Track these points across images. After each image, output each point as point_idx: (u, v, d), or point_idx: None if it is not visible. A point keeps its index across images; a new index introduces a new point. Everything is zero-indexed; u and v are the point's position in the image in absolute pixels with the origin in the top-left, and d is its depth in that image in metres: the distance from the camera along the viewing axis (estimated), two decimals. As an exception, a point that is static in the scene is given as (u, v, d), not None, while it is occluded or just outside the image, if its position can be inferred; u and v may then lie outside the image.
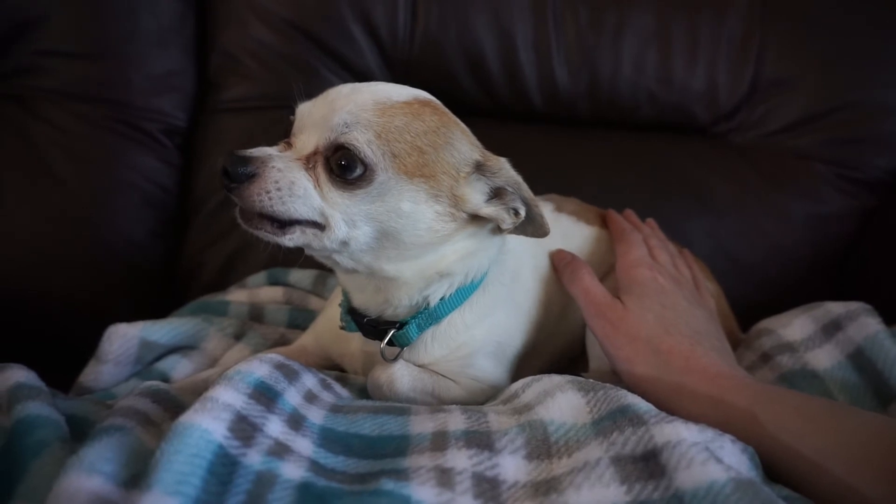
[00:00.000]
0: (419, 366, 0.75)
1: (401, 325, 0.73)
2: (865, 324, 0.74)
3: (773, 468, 0.56)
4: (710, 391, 0.63)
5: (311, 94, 0.71)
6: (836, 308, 0.79)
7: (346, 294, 0.78)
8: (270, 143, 0.70)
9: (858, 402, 0.69)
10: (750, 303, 1.06)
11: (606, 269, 0.89)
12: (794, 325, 0.81)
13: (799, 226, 1.30)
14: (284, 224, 0.65)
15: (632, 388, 0.69)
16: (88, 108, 1.20)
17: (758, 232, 1.30)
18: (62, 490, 0.42)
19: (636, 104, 1.33)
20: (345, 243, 0.67)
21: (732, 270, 1.25)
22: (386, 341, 0.74)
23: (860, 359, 0.72)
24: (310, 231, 0.66)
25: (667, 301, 0.75)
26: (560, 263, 0.84)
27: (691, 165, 1.32)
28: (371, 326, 0.75)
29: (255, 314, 1.01)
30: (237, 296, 1.05)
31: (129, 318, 0.86)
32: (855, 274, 1.29)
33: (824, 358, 0.74)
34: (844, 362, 0.73)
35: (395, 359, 0.75)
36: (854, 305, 0.78)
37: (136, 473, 0.46)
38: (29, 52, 1.19)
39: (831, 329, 0.77)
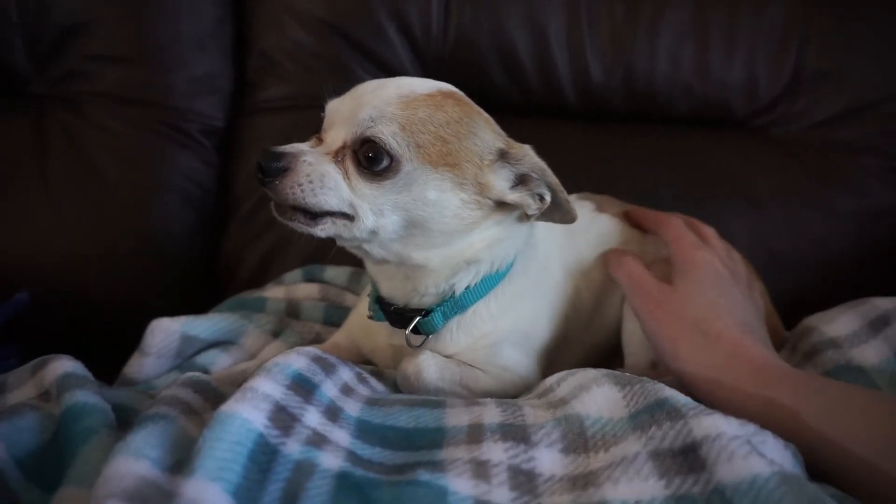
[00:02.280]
0: (446, 356, 0.76)
1: (426, 312, 0.74)
2: (915, 319, 0.72)
3: (819, 466, 0.54)
4: (755, 380, 0.61)
5: (343, 91, 0.73)
6: (883, 303, 0.77)
7: (374, 284, 0.79)
8: (305, 141, 0.72)
9: (908, 399, 0.67)
10: (794, 300, 1.03)
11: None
12: (839, 322, 0.78)
13: (846, 221, 1.26)
14: (316, 215, 0.67)
15: (671, 369, 0.67)
16: (133, 111, 1.24)
17: (802, 227, 1.26)
18: (111, 473, 0.44)
19: (672, 98, 1.31)
20: (374, 232, 0.68)
21: (775, 267, 1.22)
22: (411, 329, 0.75)
23: (910, 355, 0.69)
24: (340, 222, 0.68)
25: (722, 288, 0.72)
26: (608, 256, 0.83)
27: (730, 160, 1.29)
28: (397, 314, 0.76)
29: (292, 311, 1.02)
30: (274, 292, 1.07)
31: (170, 313, 0.89)
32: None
33: (871, 354, 0.71)
34: (893, 358, 0.70)
35: (421, 345, 0.76)
36: (902, 300, 0.76)
37: (180, 459, 0.47)
38: (77, 57, 1.23)
39: (879, 324, 0.74)
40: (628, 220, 0.92)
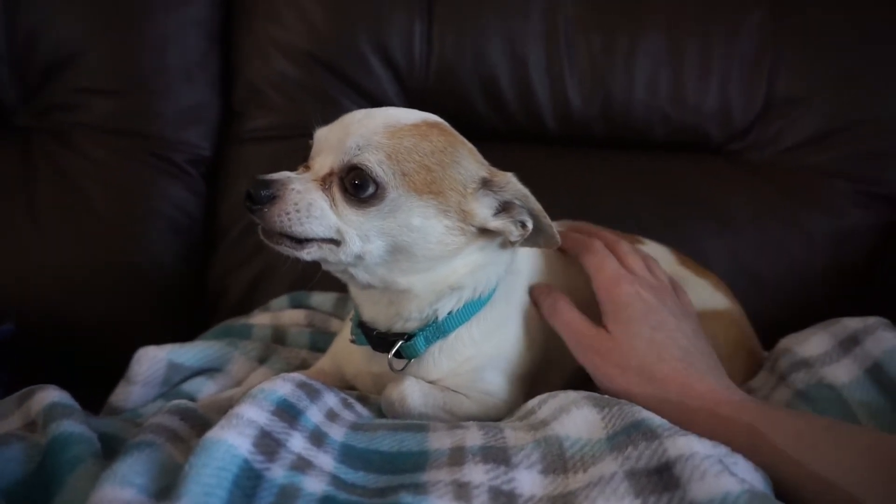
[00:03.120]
0: (429, 381, 0.77)
1: (409, 337, 0.76)
2: (883, 338, 0.74)
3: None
4: (709, 419, 0.62)
5: (329, 120, 0.75)
6: (852, 323, 0.79)
7: (356, 308, 0.81)
8: (292, 170, 0.73)
9: (878, 416, 0.68)
10: (771, 321, 1.05)
11: None
12: (811, 342, 0.80)
13: (819, 242, 1.29)
14: (302, 240, 0.69)
15: None
16: (121, 141, 1.26)
17: (778, 249, 1.30)
18: (98, 500, 0.45)
19: (650, 125, 1.34)
20: (360, 257, 0.70)
21: (753, 289, 1.24)
22: (393, 353, 0.76)
23: (878, 373, 0.71)
24: (326, 246, 0.69)
25: (655, 321, 0.72)
26: (538, 296, 0.81)
27: (707, 184, 1.33)
28: (379, 339, 0.77)
29: (278, 337, 1.03)
30: (260, 319, 1.08)
31: (157, 340, 0.89)
32: (879, 289, 1.27)
33: (842, 373, 0.73)
34: (863, 377, 0.72)
35: (403, 369, 0.77)
36: (871, 320, 0.78)
37: (166, 486, 0.48)
38: (65, 90, 1.25)
39: (848, 344, 0.76)
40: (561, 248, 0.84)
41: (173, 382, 0.87)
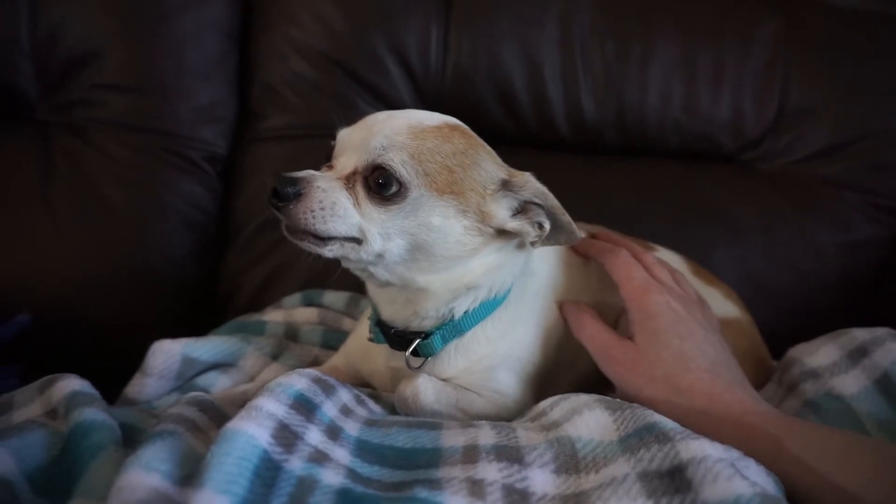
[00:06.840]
0: (443, 379, 0.78)
1: (426, 335, 0.77)
2: (891, 349, 0.74)
3: None
4: (735, 429, 0.62)
5: (346, 121, 0.77)
6: (861, 334, 0.79)
7: (374, 307, 0.82)
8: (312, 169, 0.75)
9: (886, 427, 0.69)
10: (779, 331, 1.06)
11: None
12: (820, 353, 0.81)
13: (829, 253, 1.30)
14: (325, 238, 0.70)
15: None
16: (138, 138, 1.27)
17: (787, 259, 1.30)
18: (123, 484, 0.46)
19: (662, 133, 1.35)
20: (380, 255, 0.71)
21: (761, 298, 1.25)
22: (410, 351, 0.77)
23: (887, 384, 0.71)
24: (348, 245, 0.71)
25: (683, 331, 0.72)
26: (567, 312, 0.82)
27: (718, 193, 1.33)
28: (398, 337, 0.79)
29: (291, 334, 1.04)
30: (273, 316, 1.09)
31: (170, 335, 0.90)
32: (888, 300, 1.28)
33: (850, 384, 0.74)
34: (871, 387, 0.72)
35: (419, 368, 0.78)
36: (880, 331, 0.78)
37: (188, 473, 0.49)
38: (85, 86, 1.27)
39: (857, 355, 0.77)
40: (575, 250, 0.89)
41: (187, 376, 0.88)
